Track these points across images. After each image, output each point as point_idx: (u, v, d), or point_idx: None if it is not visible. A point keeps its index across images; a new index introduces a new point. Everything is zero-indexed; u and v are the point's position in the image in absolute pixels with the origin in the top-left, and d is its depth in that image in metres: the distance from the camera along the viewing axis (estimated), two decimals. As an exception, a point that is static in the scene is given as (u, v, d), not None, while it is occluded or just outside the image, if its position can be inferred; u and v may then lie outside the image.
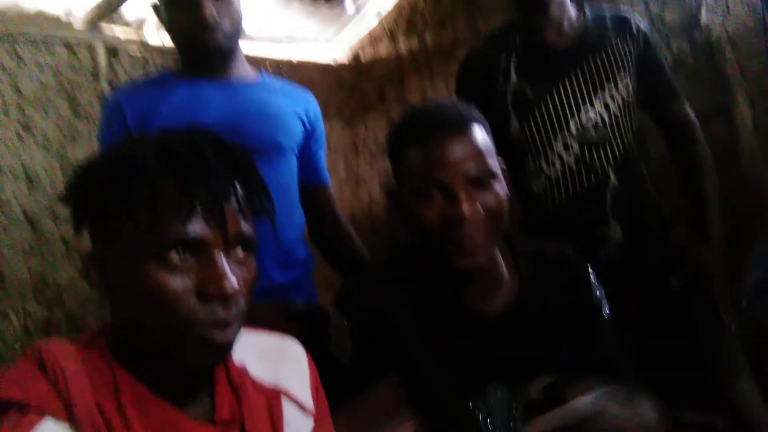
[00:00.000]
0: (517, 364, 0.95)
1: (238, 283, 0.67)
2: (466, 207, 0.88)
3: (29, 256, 2.33)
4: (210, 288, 0.65)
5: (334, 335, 0.97)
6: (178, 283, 0.64)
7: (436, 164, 0.91)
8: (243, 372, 0.78)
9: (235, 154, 0.72)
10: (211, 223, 0.66)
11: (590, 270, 1.08)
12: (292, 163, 1.45)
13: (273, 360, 0.84)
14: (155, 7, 1.40)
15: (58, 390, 0.62)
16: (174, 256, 0.64)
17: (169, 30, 1.37)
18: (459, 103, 1.00)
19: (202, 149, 0.68)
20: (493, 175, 0.93)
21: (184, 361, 0.67)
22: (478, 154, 0.92)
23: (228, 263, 0.67)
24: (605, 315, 1.05)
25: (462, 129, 0.93)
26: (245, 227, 0.70)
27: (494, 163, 0.94)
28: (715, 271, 1.36)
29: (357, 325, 0.96)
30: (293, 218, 1.45)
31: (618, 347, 1.05)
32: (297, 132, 1.45)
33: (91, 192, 0.69)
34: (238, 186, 0.70)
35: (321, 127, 1.55)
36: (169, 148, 0.67)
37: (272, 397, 0.79)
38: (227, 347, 0.69)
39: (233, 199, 0.69)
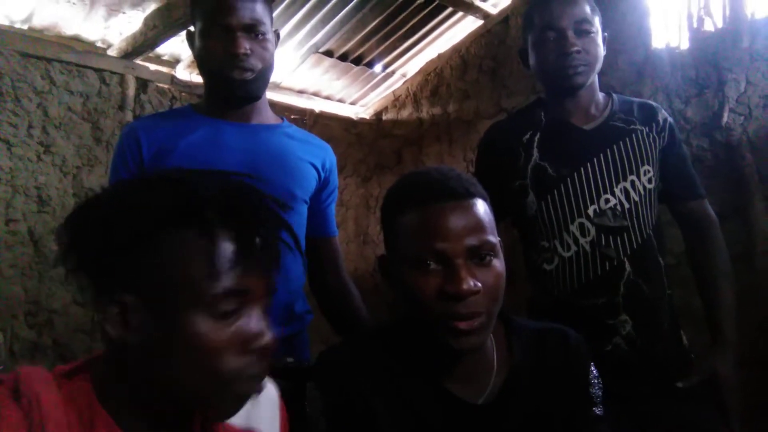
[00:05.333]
0: None
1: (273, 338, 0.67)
2: (466, 283, 0.83)
3: (27, 277, 2.31)
4: (255, 342, 0.64)
5: (310, 408, 0.92)
6: (225, 336, 0.63)
7: (437, 233, 0.85)
8: None
9: (276, 208, 0.72)
10: (260, 277, 0.66)
11: (590, 360, 1.02)
12: (302, 212, 1.43)
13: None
14: (189, 35, 1.42)
15: (31, 421, 0.59)
16: (224, 308, 0.63)
17: (199, 59, 1.38)
18: (462, 173, 0.95)
19: (258, 204, 0.68)
20: (494, 251, 0.88)
21: (213, 413, 0.66)
22: (480, 227, 0.87)
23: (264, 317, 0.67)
24: (598, 412, 0.98)
25: (465, 199, 0.88)
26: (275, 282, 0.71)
27: (495, 239, 0.90)
28: (727, 379, 1.30)
29: (331, 404, 0.91)
30: (297, 269, 1.42)
31: None
32: (311, 181, 1.44)
33: (135, 230, 0.62)
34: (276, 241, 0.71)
35: (335, 180, 1.54)
36: (231, 199, 0.66)
37: None
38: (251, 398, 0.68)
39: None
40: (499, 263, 0.89)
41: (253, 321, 0.65)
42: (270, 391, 0.86)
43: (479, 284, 0.84)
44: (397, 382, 0.92)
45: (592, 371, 1.00)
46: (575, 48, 1.33)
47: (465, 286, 0.83)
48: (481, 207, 0.90)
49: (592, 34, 1.36)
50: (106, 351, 0.68)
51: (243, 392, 0.65)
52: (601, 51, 1.39)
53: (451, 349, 0.86)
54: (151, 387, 0.65)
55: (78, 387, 0.65)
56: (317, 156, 1.48)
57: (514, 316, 1.03)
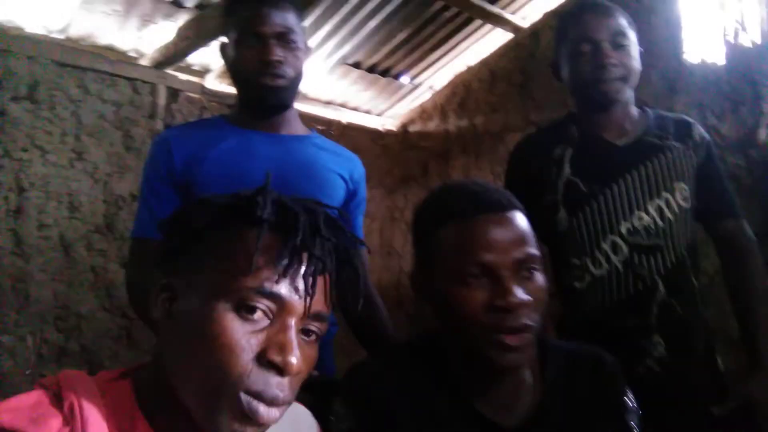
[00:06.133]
0: None
1: (301, 363, 0.63)
2: (516, 295, 0.81)
3: (58, 281, 2.35)
4: (273, 354, 0.62)
5: (336, 424, 0.90)
6: (244, 336, 0.61)
7: (483, 245, 0.83)
8: None
9: (342, 237, 0.71)
10: (299, 290, 0.64)
11: (627, 387, 0.98)
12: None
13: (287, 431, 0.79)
14: (222, 46, 1.44)
15: (72, 427, 0.58)
16: (251, 307, 0.62)
17: (232, 68, 1.40)
18: (497, 186, 0.94)
19: (317, 219, 0.67)
20: (537, 264, 0.87)
21: (213, 428, 0.62)
22: (525, 239, 0.86)
23: (297, 338, 0.64)
24: None
25: (509, 211, 0.87)
26: (326, 310, 0.68)
27: (538, 252, 0.88)
28: (763, 405, 1.25)
29: (358, 421, 0.89)
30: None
31: None
32: (339, 192, 1.45)
33: (196, 221, 0.67)
34: (335, 267, 0.69)
35: (363, 191, 1.54)
36: (288, 205, 0.67)
37: None
38: (264, 429, 0.64)
39: (328, 276, 0.68)
40: (541, 276, 0.87)
41: (281, 334, 0.63)
42: (309, 420, 0.85)
43: (528, 296, 0.82)
44: (426, 400, 0.90)
45: (628, 397, 0.97)
46: (611, 60, 1.30)
47: (515, 299, 0.81)
48: (523, 219, 0.88)
49: (627, 48, 1.33)
50: (150, 358, 0.69)
51: (250, 409, 0.61)
52: (637, 65, 1.36)
53: (497, 366, 0.84)
54: (170, 386, 0.63)
55: (120, 394, 0.65)
56: (345, 167, 1.48)
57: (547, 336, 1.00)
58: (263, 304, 0.62)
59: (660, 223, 1.31)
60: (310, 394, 1.15)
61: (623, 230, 1.31)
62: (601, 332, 1.26)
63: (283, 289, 0.63)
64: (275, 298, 0.63)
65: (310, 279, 0.65)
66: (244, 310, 0.62)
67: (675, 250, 1.31)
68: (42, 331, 2.26)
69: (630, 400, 0.97)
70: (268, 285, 0.62)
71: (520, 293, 0.82)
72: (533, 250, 0.86)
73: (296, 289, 0.64)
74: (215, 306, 0.62)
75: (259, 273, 0.62)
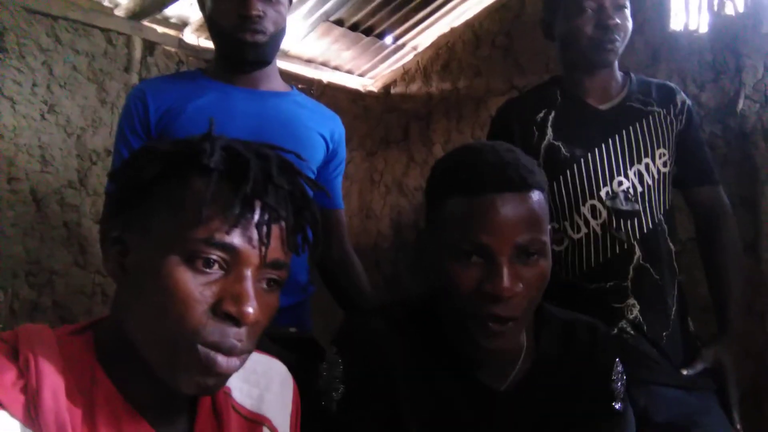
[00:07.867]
0: None
1: (258, 313, 0.62)
2: (508, 285, 0.78)
3: (29, 236, 2.30)
4: (228, 305, 0.61)
5: (326, 373, 0.90)
6: (197, 288, 0.60)
7: (484, 226, 0.79)
8: (227, 396, 0.74)
9: (298, 182, 0.69)
10: (254, 239, 0.63)
11: (619, 360, 0.99)
12: (308, 182, 1.41)
13: (259, 384, 0.80)
14: None
15: (28, 384, 0.57)
16: (203, 258, 0.61)
17: (210, 20, 1.36)
18: (522, 157, 0.87)
19: (270, 164, 0.65)
20: (542, 250, 0.83)
21: (174, 381, 0.62)
22: (532, 224, 0.81)
23: (254, 287, 0.63)
24: (618, 407, 0.96)
25: (520, 191, 0.81)
26: (284, 257, 0.67)
27: (546, 237, 0.83)
28: (731, 368, 1.29)
29: (353, 371, 0.88)
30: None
31: None
32: (318, 151, 1.43)
33: (144, 173, 0.65)
34: (291, 214, 0.67)
35: (343, 151, 1.52)
36: (238, 152, 0.65)
37: (253, 429, 0.75)
38: (224, 378, 0.64)
39: (284, 223, 0.66)
40: (545, 263, 0.84)
41: (236, 284, 0.61)
42: (283, 374, 0.84)
43: (521, 285, 0.79)
44: (420, 359, 0.90)
45: (617, 366, 0.98)
46: (615, 21, 1.30)
47: (506, 288, 0.78)
48: (537, 201, 0.83)
49: (626, 9, 1.33)
50: (112, 306, 0.68)
51: (208, 360, 0.60)
52: (630, 27, 1.36)
53: (481, 348, 0.83)
54: (129, 339, 0.63)
55: (79, 347, 0.64)
56: (326, 126, 1.46)
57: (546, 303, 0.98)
58: (216, 255, 0.61)
59: (639, 188, 1.32)
60: (289, 350, 1.16)
61: (603, 194, 1.32)
62: (577, 294, 1.29)
63: (236, 239, 0.61)
64: (227, 248, 0.61)
65: (264, 228, 0.63)
66: (196, 261, 0.60)
67: (652, 215, 1.33)
68: (14, 287, 2.23)
69: (619, 367, 0.98)
70: (218, 236, 0.61)
71: (512, 282, 0.79)
72: (540, 236, 0.82)
73: (250, 239, 0.62)
74: (166, 259, 0.60)
75: (210, 224, 0.60)
